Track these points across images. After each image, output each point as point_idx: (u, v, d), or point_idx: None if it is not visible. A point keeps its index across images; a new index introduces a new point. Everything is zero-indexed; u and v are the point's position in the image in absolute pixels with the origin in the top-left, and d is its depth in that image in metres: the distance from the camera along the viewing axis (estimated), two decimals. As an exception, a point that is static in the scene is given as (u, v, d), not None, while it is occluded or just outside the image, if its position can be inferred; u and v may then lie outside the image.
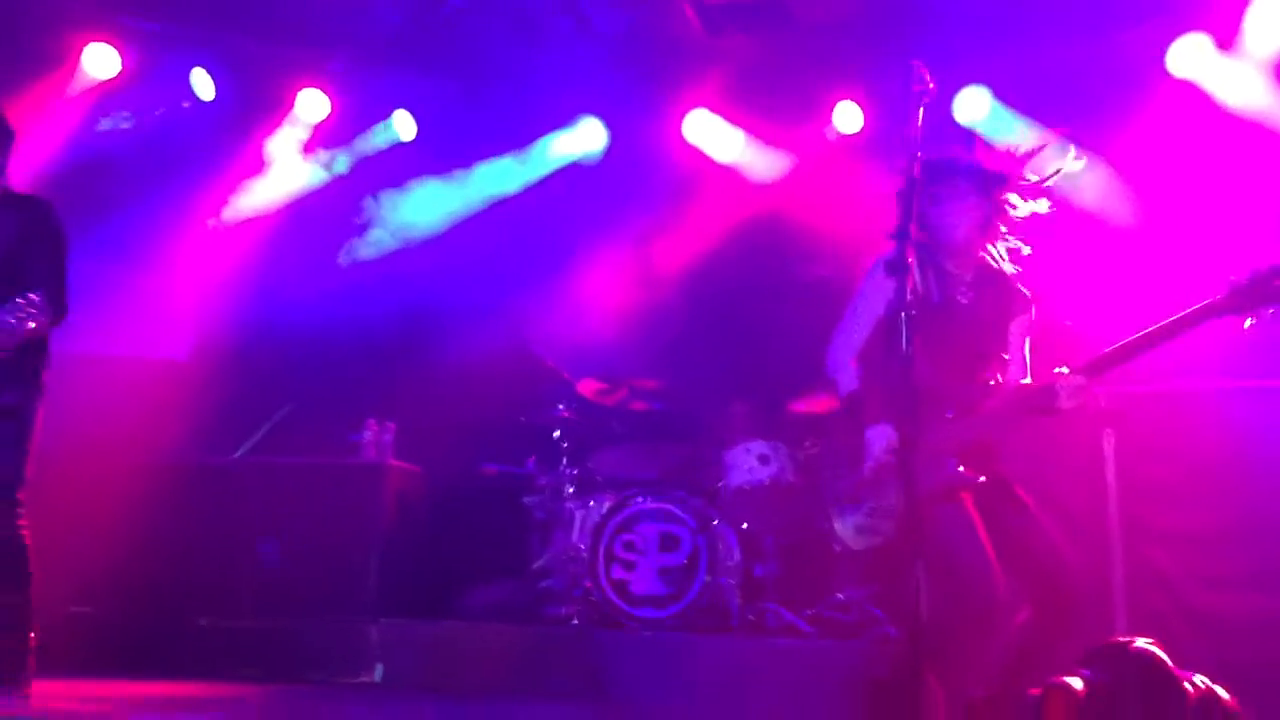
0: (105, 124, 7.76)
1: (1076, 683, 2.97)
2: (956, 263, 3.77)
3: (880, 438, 3.61)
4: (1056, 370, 3.52)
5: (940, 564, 3.44)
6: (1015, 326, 3.81)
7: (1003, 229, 3.77)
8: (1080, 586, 3.45)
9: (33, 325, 4.03)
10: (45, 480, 4.41)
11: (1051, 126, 6.79)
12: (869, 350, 3.80)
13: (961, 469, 3.53)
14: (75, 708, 4.64)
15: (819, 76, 7.53)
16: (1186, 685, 2.91)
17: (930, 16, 6.68)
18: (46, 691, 4.34)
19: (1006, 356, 3.79)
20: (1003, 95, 7.11)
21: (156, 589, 6.59)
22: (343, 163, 8.22)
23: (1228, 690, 2.93)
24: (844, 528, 3.73)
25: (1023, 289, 3.83)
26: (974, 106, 7.13)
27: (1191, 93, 6.58)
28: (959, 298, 3.73)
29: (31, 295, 4.03)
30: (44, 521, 4.41)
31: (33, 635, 4.20)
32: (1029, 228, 3.85)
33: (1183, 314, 3.38)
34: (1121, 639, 3.14)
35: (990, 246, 3.78)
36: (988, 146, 3.84)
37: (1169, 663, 2.98)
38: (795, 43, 7.43)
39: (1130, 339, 3.46)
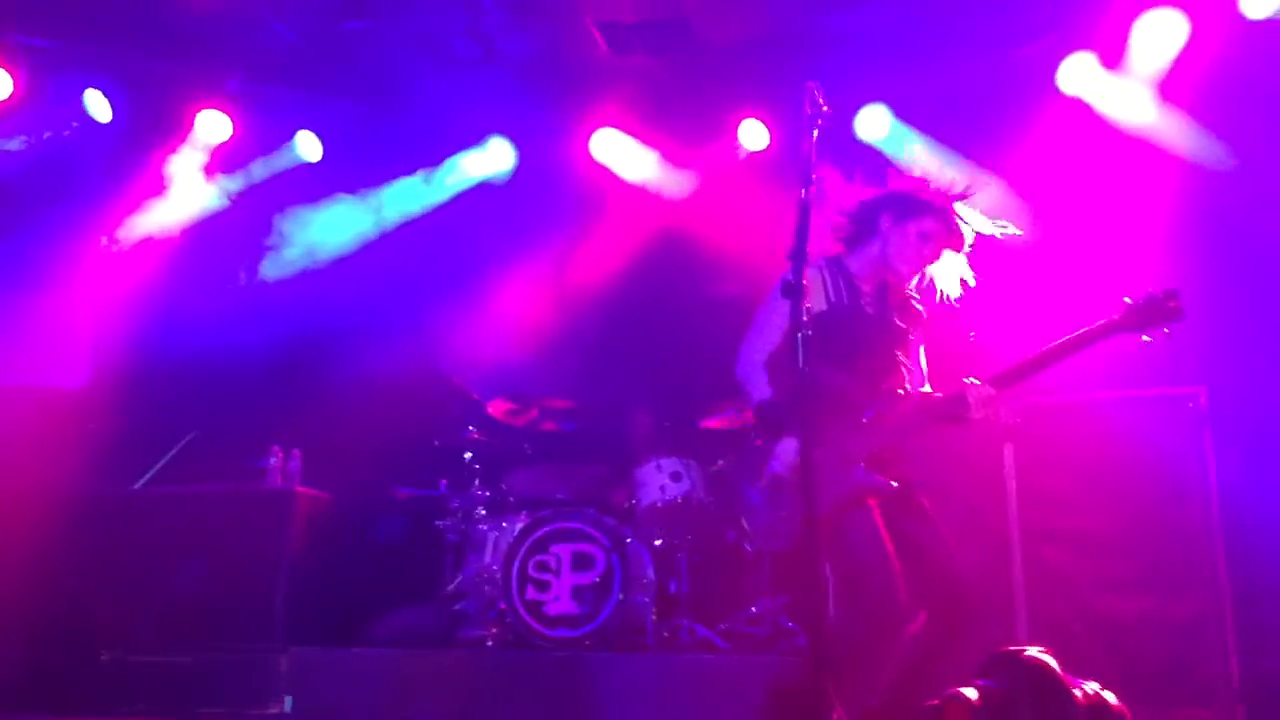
0: (10, 144, 7.55)
1: (972, 693, 3.03)
2: (867, 276, 3.87)
3: (786, 453, 3.66)
4: (966, 380, 3.61)
5: (846, 570, 3.51)
6: (914, 339, 3.91)
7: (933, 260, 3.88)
8: (975, 595, 3.53)
9: None
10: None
11: (948, 143, 7.00)
12: (777, 358, 3.85)
13: (870, 475, 3.59)
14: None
15: (724, 95, 7.61)
16: (1077, 692, 2.99)
17: (831, 36, 6.81)
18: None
19: (910, 366, 3.88)
20: (901, 113, 7.26)
21: (56, 625, 6.39)
22: (241, 184, 8.08)
23: (1116, 695, 3.02)
24: (753, 529, 3.77)
25: (917, 305, 3.93)
26: (874, 124, 7.26)
27: (1081, 110, 6.77)
28: (866, 308, 3.81)
29: None
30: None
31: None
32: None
33: (1085, 330, 3.50)
34: (1015, 648, 3.21)
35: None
36: (921, 179, 3.95)
37: (1059, 671, 3.06)
38: (700, 62, 7.49)
39: (1036, 353, 3.58)
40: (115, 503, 6.80)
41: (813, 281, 3.74)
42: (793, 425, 3.64)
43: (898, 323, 3.86)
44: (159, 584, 6.48)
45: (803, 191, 3.18)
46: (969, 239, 3.89)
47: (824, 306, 3.77)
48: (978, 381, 3.61)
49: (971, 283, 3.95)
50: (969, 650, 3.47)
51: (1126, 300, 3.50)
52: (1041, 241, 6.51)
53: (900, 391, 3.78)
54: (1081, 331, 3.53)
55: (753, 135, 7.60)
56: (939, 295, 3.94)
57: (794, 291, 3.01)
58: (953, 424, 3.65)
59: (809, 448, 2.96)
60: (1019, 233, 3.97)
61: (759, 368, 3.85)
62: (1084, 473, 5.55)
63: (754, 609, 6.43)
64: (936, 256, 3.87)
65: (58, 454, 6.97)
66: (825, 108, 3.29)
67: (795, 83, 3.47)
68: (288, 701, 6.01)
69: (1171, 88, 6.55)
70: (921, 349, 3.97)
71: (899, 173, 4.00)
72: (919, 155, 6.86)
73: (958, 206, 3.89)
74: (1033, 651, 3.14)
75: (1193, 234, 6.08)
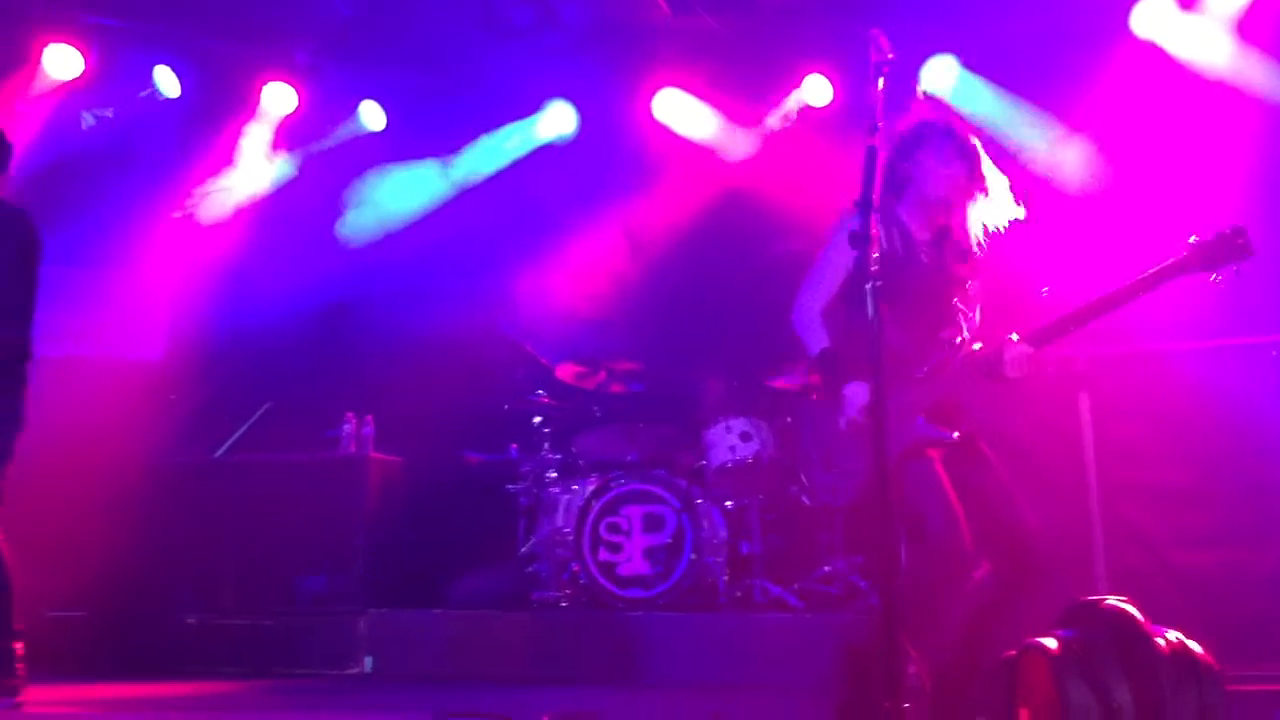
0: (87, 118, 7.71)
1: (1052, 643, 2.99)
2: (918, 222, 3.80)
3: (856, 396, 3.63)
4: (1007, 338, 3.55)
5: (910, 521, 3.48)
6: (974, 287, 3.84)
7: (983, 193, 3.78)
8: (1040, 547, 3.49)
9: None
10: (26, 486, 4.38)
11: (1018, 92, 6.86)
12: (834, 308, 3.81)
13: (930, 426, 3.56)
14: (68, 711, 4.64)
15: (787, 51, 7.52)
16: (1159, 641, 2.94)
17: (897, -14, 6.69)
18: (38, 697, 4.33)
19: (970, 315, 3.82)
20: (969, 63, 7.13)
21: (143, 590, 6.59)
22: (310, 156, 8.18)
23: (1201, 644, 2.97)
24: (812, 483, 3.75)
25: (977, 252, 3.84)
26: (941, 75, 7.14)
27: (1154, 53, 6.60)
28: (922, 257, 3.75)
29: None
30: (27, 527, 4.40)
31: (19, 644, 4.20)
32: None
33: (1145, 274, 3.40)
34: (1094, 598, 3.16)
35: (965, 213, 3.79)
36: (964, 120, 3.87)
37: (1142, 620, 3.01)
38: (762, 19, 7.42)
39: (1082, 305, 3.50)
40: (197, 471, 6.97)
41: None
42: (854, 371, 3.61)
43: (955, 270, 3.79)
44: (241, 549, 6.65)
45: (868, 141, 3.13)
46: (983, 157, 3.77)
47: (875, 255, 3.70)
48: (1016, 338, 3.54)
49: (1019, 213, 3.82)
50: (1038, 603, 3.44)
51: (1192, 240, 3.40)
52: (1117, 190, 6.40)
53: (957, 341, 3.72)
54: (1141, 276, 3.43)
55: (816, 90, 7.51)
56: (989, 231, 3.81)
57: (862, 240, 2.97)
58: (993, 381, 3.59)
59: (880, 398, 2.93)
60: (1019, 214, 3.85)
61: (816, 317, 3.81)
62: (1162, 424, 5.46)
63: (827, 568, 6.43)
64: (963, 176, 3.74)
65: (140, 424, 7.15)
66: (890, 55, 3.23)
67: (859, 36, 3.41)
68: (368, 662, 6.14)
69: (1249, 26, 6.35)
70: (975, 300, 3.88)
71: (898, 118, 3.90)
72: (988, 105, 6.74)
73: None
74: (1113, 601, 3.09)
75: (1272, 178, 5.91)
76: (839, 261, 3.75)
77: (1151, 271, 3.39)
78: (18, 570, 4.25)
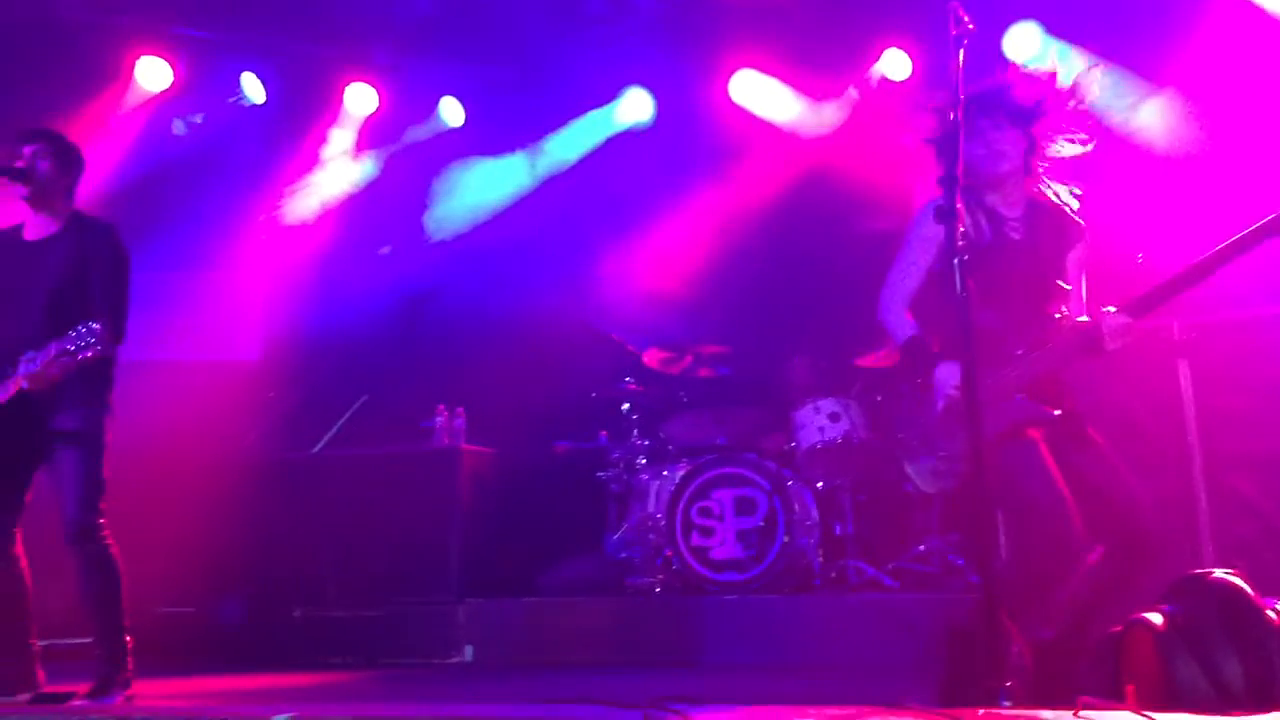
0: (178, 125, 7.93)
1: (1157, 618, 2.92)
2: (1002, 199, 3.69)
3: (949, 376, 3.56)
4: (1104, 309, 3.46)
5: (1015, 503, 3.41)
6: (1072, 257, 3.71)
7: (1045, 161, 3.66)
8: (1152, 526, 3.37)
9: (89, 355, 4.08)
10: (135, 486, 4.53)
11: (1106, 57, 6.68)
12: (923, 296, 3.73)
13: (1030, 404, 3.48)
14: (178, 704, 4.78)
15: (864, 27, 7.44)
16: (1269, 613, 2.86)
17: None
18: (147, 690, 4.47)
19: (1068, 288, 3.71)
20: (1054, 29, 6.96)
21: (248, 584, 6.78)
22: (393, 154, 8.31)
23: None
24: (917, 472, 3.69)
25: (1077, 219, 3.72)
26: (1024, 43, 6.99)
27: (1248, 9, 6.37)
28: (1011, 234, 3.65)
29: (92, 324, 4.11)
30: (134, 526, 4.54)
31: (129, 638, 4.34)
32: (1092, 162, 3.75)
33: (1241, 236, 3.28)
34: (1201, 571, 3.08)
35: (1042, 179, 3.68)
36: (1023, 75, 3.71)
37: (1250, 592, 2.92)
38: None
39: (1179, 272, 3.38)
40: (297, 467, 7.14)
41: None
42: (945, 353, 3.56)
43: (1048, 243, 3.66)
44: (341, 542, 6.79)
45: (950, 115, 3.08)
46: (1073, 141, 3.63)
47: (969, 241, 3.60)
48: (1113, 310, 3.44)
49: (1086, 146, 3.67)
50: (1146, 582, 3.34)
51: None
52: (1210, 151, 6.21)
53: (1057, 316, 3.63)
54: (1233, 240, 3.30)
55: (895, 65, 7.41)
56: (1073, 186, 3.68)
57: (947, 216, 2.93)
58: (1092, 356, 3.48)
59: (972, 381, 2.89)
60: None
61: (901, 307, 3.73)
62: (1264, 391, 5.29)
63: (922, 547, 6.37)
64: (1020, 135, 3.61)
65: (241, 423, 7.36)
66: (970, 26, 3.17)
67: (937, 7, 3.35)
68: (469, 650, 6.24)
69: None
70: (1082, 271, 3.78)
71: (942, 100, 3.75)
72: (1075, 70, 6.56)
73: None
74: (1220, 573, 3.00)
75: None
76: (921, 251, 3.68)
77: (1248, 232, 3.27)
78: (127, 567, 4.38)
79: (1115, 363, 3.62)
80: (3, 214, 4.67)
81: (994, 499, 3.00)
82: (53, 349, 4.07)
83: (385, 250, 8.31)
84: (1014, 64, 3.75)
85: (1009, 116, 3.58)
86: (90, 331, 4.06)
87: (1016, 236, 3.63)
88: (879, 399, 6.58)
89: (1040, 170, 3.64)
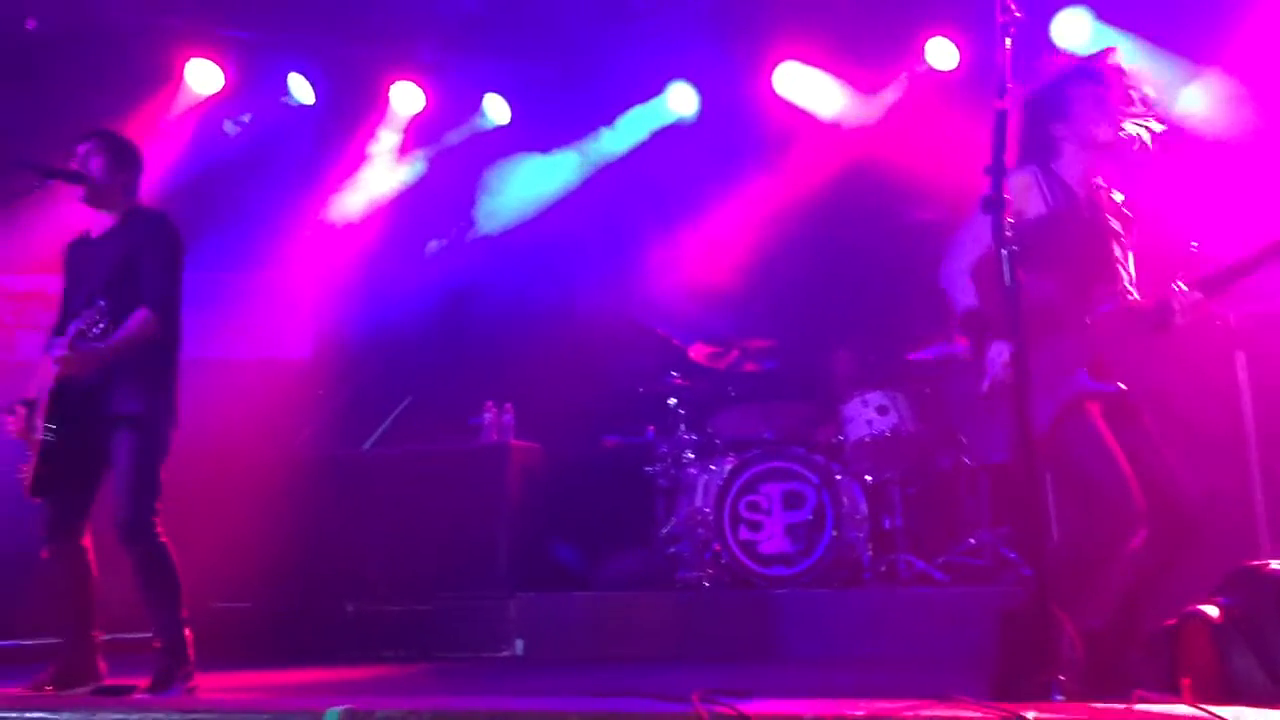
0: (229, 126, 8.04)
1: (1213, 610, 2.89)
2: (1074, 174, 3.68)
3: (999, 354, 3.56)
4: (1174, 285, 3.43)
5: (1077, 479, 3.38)
6: (1127, 242, 3.71)
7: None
8: (1197, 511, 3.35)
9: (97, 331, 4.16)
10: (189, 484, 4.59)
11: (1157, 42, 6.58)
12: (984, 265, 3.73)
13: (1092, 380, 3.46)
14: (236, 696, 4.85)
15: (909, 16, 7.38)
16: (1328, 605, 2.82)
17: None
18: (206, 684, 4.54)
19: (1126, 268, 3.70)
20: (1104, 14, 6.87)
21: (301, 579, 6.86)
22: (439, 152, 8.37)
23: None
24: (972, 443, 3.68)
25: (1125, 210, 3.73)
26: (1074, 29, 6.90)
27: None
28: (1083, 210, 3.66)
29: (100, 302, 4.19)
30: (189, 522, 4.61)
31: (189, 633, 4.41)
32: (1146, 149, 3.74)
33: None
34: (1257, 562, 3.03)
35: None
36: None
37: (1307, 583, 2.88)
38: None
39: (1248, 254, 3.35)
40: (348, 464, 7.22)
41: (1027, 187, 3.59)
42: (999, 330, 3.54)
43: (1113, 225, 3.68)
44: (392, 538, 6.85)
45: (998, 103, 3.06)
46: (1139, 87, 3.63)
47: (1042, 210, 3.61)
48: (1185, 287, 3.42)
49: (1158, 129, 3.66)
50: (1198, 569, 3.31)
51: None
52: (1267, 139, 6.10)
53: (1118, 292, 3.61)
54: None
55: (941, 54, 7.34)
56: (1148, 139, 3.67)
57: (994, 206, 2.91)
58: (1159, 332, 3.48)
59: (1023, 370, 2.87)
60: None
61: (964, 274, 3.71)
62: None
63: (973, 540, 6.32)
64: (1121, 110, 3.61)
65: (292, 421, 7.45)
66: (1018, 14, 3.15)
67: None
68: (519, 645, 6.28)
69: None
70: (1130, 255, 3.77)
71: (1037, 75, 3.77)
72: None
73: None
74: (1277, 564, 2.96)
75: None
76: (983, 224, 3.67)
77: None
78: (183, 563, 4.45)
79: (1172, 351, 3.58)
80: (75, 218, 4.77)
81: (1048, 481, 2.96)
82: (70, 331, 4.15)
83: (434, 246, 8.36)
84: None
85: (1117, 88, 3.60)
86: (97, 310, 4.14)
87: (1086, 213, 3.64)
88: (927, 391, 6.54)
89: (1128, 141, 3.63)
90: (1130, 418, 3.51)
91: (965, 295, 3.68)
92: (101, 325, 4.26)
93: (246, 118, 8.16)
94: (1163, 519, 3.33)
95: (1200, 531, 3.31)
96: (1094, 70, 3.67)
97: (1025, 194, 3.54)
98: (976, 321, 3.61)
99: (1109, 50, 3.73)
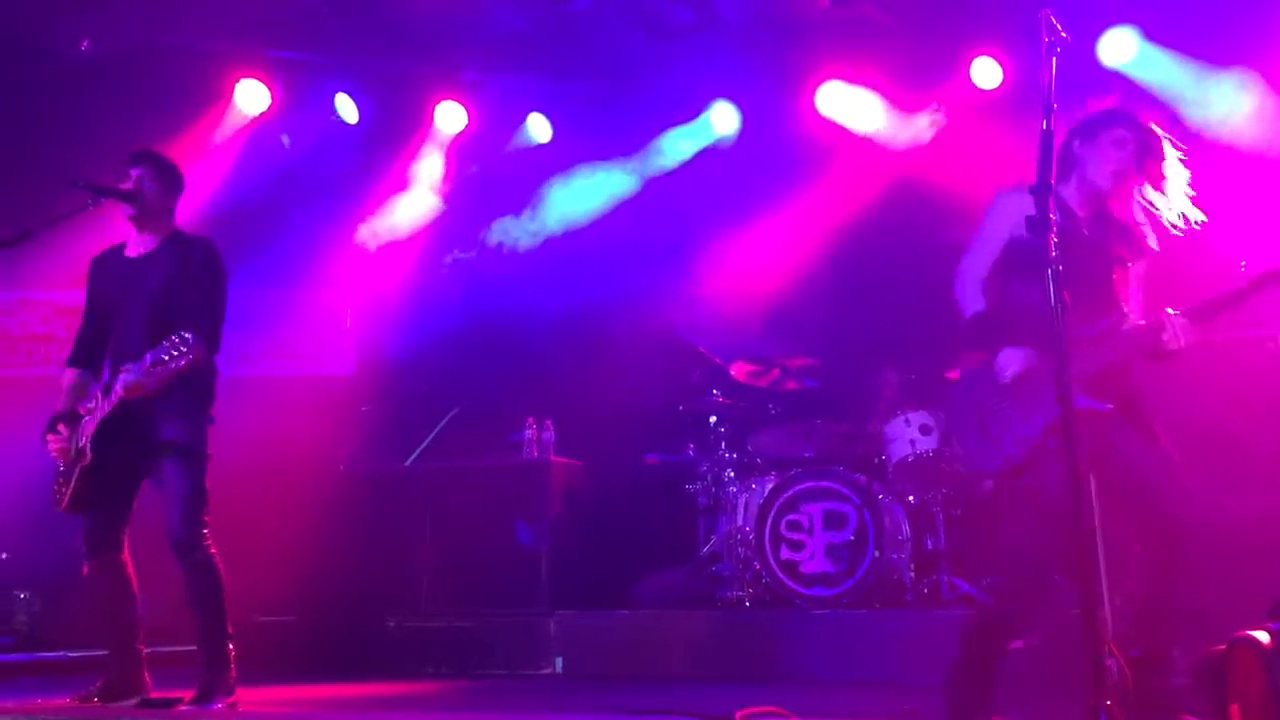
0: (285, 139, 8.15)
1: (1263, 636, 2.84)
2: (1083, 201, 3.75)
3: (1010, 362, 3.60)
4: (1166, 311, 3.49)
5: (1043, 503, 3.49)
6: (1134, 267, 3.78)
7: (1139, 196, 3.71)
8: (1191, 531, 3.37)
9: (183, 364, 4.20)
10: (235, 498, 4.65)
11: (1205, 59, 6.52)
12: (993, 278, 3.78)
13: (1085, 399, 3.47)
14: (278, 710, 4.89)
15: (953, 35, 7.35)
16: (1381, 631, 2.76)
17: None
18: (249, 697, 4.58)
19: (1126, 295, 3.72)
20: (1151, 34, 6.82)
21: (343, 594, 6.90)
22: (482, 170, 8.44)
23: None
24: (971, 453, 3.73)
25: (1149, 235, 3.76)
26: (1120, 48, 6.86)
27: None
28: (1084, 231, 3.68)
29: (185, 333, 4.24)
30: (233, 537, 4.65)
31: (232, 647, 4.45)
32: (1197, 170, 3.77)
33: None
34: (1311, 587, 2.99)
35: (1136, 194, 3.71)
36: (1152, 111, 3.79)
37: (1360, 608, 2.83)
38: (926, 2, 7.27)
39: (1239, 284, 3.40)
40: (390, 479, 7.27)
41: (1018, 207, 3.64)
42: (1013, 339, 3.59)
43: (1115, 249, 3.72)
44: (433, 554, 6.89)
45: (1044, 123, 3.06)
46: (1169, 149, 3.66)
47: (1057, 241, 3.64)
48: (1174, 312, 3.49)
49: (1196, 215, 3.70)
50: (1187, 581, 3.37)
51: None
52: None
53: (1116, 318, 3.63)
54: None
55: (985, 73, 7.32)
56: (1170, 224, 3.72)
57: (1040, 226, 2.91)
58: (1154, 358, 3.54)
59: (1068, 391, 2.86)
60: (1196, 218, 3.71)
61: (976, 284, 3.79)
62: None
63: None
64: (1134, 162, 3.67)
65: (336, 436, 7.51)
66: (1064, 35, 3.14)
67: (1029, 13, 3.33)
68: (559, 663, 6.28)
69: None
70: (1141, 285, 3.80)
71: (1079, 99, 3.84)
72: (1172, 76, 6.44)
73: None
74: (1329, 590, 2.91)
75: None
76: (996, 231, 3.77)
77: None
78: (227, 579, 4.49)
79: (1215, 374, 3.57)
80: (106, 231, 4.85)
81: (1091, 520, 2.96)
82: (148, 359, 4.20)
83: (452, 258, 8.42)
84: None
85: (1130, 132, 3.69)
86: (182, 340, 4.18)
87: (1086, 233, 3.68)
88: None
89: (1134, 186, 3.70)
90: (1128, 432, 3.52)
91: (975, 303, 3.73)
92: (186, 356, 4.25)
93: (285, 141, 8.26)
94: (1157, 537, 3.42)
95: (1192, 533, 3.38)
96: (1126, 117, 3.74)
97: (1017, 214, 3.59)
98: (983, 329, 3.66)
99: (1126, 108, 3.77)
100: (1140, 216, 3.73)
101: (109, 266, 4.75)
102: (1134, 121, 3.73)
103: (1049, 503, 3.43)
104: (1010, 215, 3.63)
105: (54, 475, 4.54)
